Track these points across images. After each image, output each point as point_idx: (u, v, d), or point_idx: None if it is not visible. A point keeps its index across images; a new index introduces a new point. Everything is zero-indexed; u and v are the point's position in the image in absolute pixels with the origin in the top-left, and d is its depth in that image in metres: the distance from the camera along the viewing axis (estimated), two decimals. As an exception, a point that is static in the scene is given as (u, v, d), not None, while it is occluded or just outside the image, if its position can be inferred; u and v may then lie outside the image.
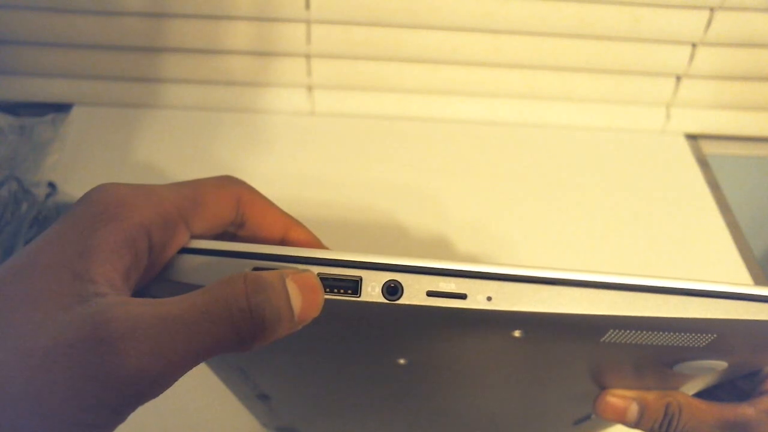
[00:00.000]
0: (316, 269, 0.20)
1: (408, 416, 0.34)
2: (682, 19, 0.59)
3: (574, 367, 0.25)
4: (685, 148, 0.65)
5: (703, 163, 0.64)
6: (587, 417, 0.31)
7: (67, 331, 0.17)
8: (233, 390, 0.33)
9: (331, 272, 0.19)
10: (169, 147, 0.61)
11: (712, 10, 0.58)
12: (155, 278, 0.21)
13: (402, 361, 0.24)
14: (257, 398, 0.32)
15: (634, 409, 0.26)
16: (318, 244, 0.26)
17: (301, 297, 0.19)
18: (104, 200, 0.19)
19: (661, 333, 0.20)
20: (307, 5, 0.57)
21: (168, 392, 0.46)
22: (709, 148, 0.66)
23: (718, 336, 0.21)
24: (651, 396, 0.26)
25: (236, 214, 0.23)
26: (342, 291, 0.19)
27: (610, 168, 0.63)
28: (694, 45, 0.61)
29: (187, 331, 0.17)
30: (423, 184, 0.59)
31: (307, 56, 0.62)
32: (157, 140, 0.62)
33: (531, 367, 0.25)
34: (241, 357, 0.26)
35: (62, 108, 0.64)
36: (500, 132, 0.65)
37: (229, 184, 0.23)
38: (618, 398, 0.26)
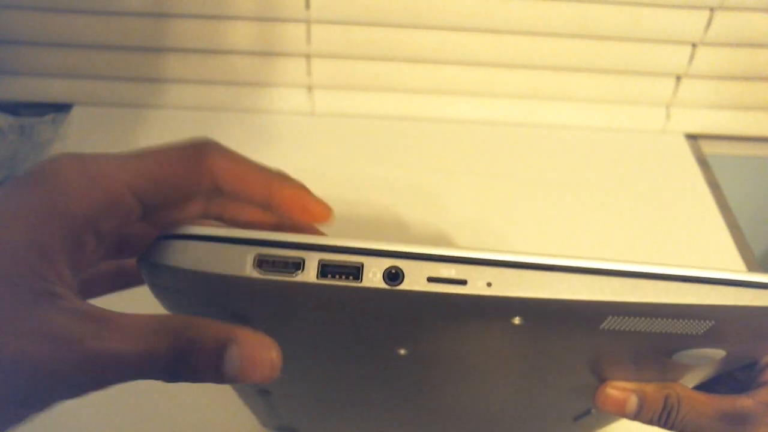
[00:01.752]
0: (318, 255, 0.20)
1: (408, 411, 0.34)
2: (682, 19, 0.59)
3: (574, 358, 0.25)
4: (685, 148, 0.65)
5: (703, 163, 0.64)
6: (587, 412, 0.31)
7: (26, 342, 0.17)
8: (233, 386, 0.33)
9: (333, 258, 0.20)
10: (169, 147, 0.61)
11: (712, 10, 0.58)
12: (147, 261, 0.20)
13: (402, 352, 0.24)
14: (258, 394, 0.32)
15: (633, 401, 0.26)
16: (306, 196, 0.24)
17: (239, 367, 0.19)
18: (50, 185, 0.18)
19: (659, 319, 0.21)
20: (307, 5, 0.58)
21: (168, 392, 0.46)
22: (709, 148, 0.66)
23: (716, 323, 0.21)
24: (650, 388, 0.26)
25: (210, 188, 0.22)
26: (343, 277, 0.19)
27: (610, 168, 0.63)
28: (694, 45, 0.61)
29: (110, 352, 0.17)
30: (423, 184, 0.59)
31: (307, 56, 0.62)
32: (157, 140, 0.61)
33: (531, 358, 0.25)
34: None
35: (62, 108, 0.64)
36: (500, 132, 0.65)
37: (201, 155, 0.22)
38: (617, 390, 0.26)
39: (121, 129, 0.63)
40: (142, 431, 0.42)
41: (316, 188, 0.63)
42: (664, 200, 0.60)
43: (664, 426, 0.26)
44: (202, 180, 0.22)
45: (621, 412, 0.26)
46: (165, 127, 0.63)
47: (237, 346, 0.19)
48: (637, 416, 0.26)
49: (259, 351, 0.19)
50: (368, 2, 0.58)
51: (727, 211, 0.60)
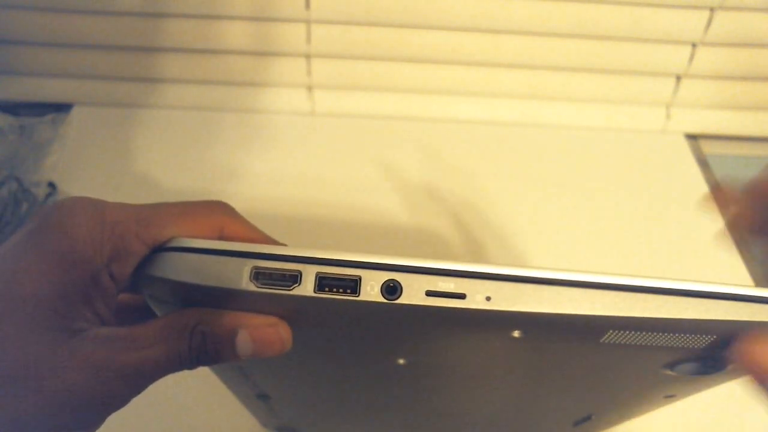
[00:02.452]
0: (315, 269, 0.19)
1: (407, 417, 0.34)
2: (682, 19, 0.59)
3: (574, 368, 0.25)
4: (685, 148, 0.65)
5: (703, 163, 0.64)
6: (587, 418, 0.31)
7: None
8: (233, 390, 0.33)
9: (330, 272, 0.19)
10: (169, 147, 0.61)
11: (712, 10, 0.58)
12: (144, 274, 0.21)
13: (401, 362, 0.24)
14: (257, 398, 0.32)
15: None
16: None
17: (252, 348, 0.21)
18: (66, 233, 0.20)
19: (660, 334, 0.20)
20: (307, 5, 0.57)
21: (168, 392, 0.46)
22: (709, 148, 0.66)
23: (718, 337, 0.21)
24: None
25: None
26: (341, 291, 0.19)
27: (610, 168, 0.63)
28: (694, 45, 0.61)
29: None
30: (423, 184, 0.59)
31: (307, 56, 0.62)
32: (157, 140, 0.62)
33: (530, 368, 0.25)
34: None
35: (62, 108, 0.64)
36: (500, 132, 0.65)
37: (214, 213, 0.23)
38: None
39: (121, 129, 0.63)
40: (142, 431, 0.42)
41: (316, 188, 0.63)
42: (664, 200, 0.60)
43: None
44: (212, 235, 0.23)
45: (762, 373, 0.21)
46: (165, 127, 0.63)
47: (246, 330, 0.20)
48: None
49: (267, 331, 0.21)
50: (368, 2, 0.58)
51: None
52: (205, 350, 0.20)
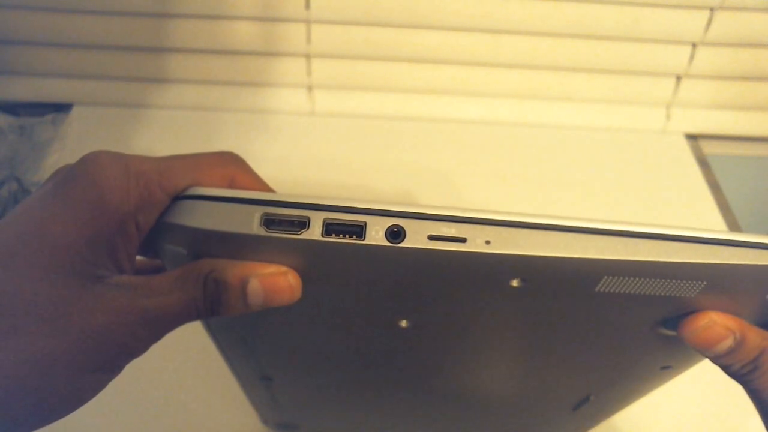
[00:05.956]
0: (323, 215, 0.20)
1: (408, 399, 0.34)
2: (682, 19, 0.59)
3: (571, 330, 0.25)
4: (685, 148, 0.65)
5: (703, 163, 0.64)
6: (586, 399, 0.31)
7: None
8: (237, 374, 0.33)
9: (338, 217, 0.20)
10: (169, 147, 0.61)
11: (712, 10, 0.58)
12: (163, 223, 0.22)
13: (404, 324, 0.25)
14: (260, 381, 0.32)
15: (729, 342, 0.23)
16: None
17: (263, 296, 0.21)
18: (95, 183, 0.21)
19: (652, 280, 0.21)
20: (307, 5, 0.58)
21: (169, 391, 0.46)
22: (709, 148, 0.66)
23: (708, 284, 0.21)
24: (752, 333, 0.23)
25: None
26: (347, 236, 0.20)
27: (610, 168, 0.63)
28: (694, 45, 0.61)
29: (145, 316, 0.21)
30: (423, 185, 0.59)
31: (307, 56, 0.62)
32: (157, 140, 0.62)
33: (530, 330, 0.25)
34: (245, 325, 0.26)
35: (62, 108, 0.64)
36: (500, 132, 0.65)
37: (226, 164, 0.24)
38: (719, 325, 0.23)
39: (121, 129, 0.63)
40: (142, 431, 0.42)
41: (315, 188, 0.63)
42: (664, 200, 0.60)
43: (738, 377, 0.24)
44: (222, 185, 0.24)
45: (708, 348, 0.23)
46: (165, 127, 0.63)
47: (257, 278, 0.21)
48: (720, 359, 0.23)
49: (277, 278, 0.21)
50: (368, 2, 0.58)
51: (727, 211, 0.60)
52: (219, 299, 0.21)
